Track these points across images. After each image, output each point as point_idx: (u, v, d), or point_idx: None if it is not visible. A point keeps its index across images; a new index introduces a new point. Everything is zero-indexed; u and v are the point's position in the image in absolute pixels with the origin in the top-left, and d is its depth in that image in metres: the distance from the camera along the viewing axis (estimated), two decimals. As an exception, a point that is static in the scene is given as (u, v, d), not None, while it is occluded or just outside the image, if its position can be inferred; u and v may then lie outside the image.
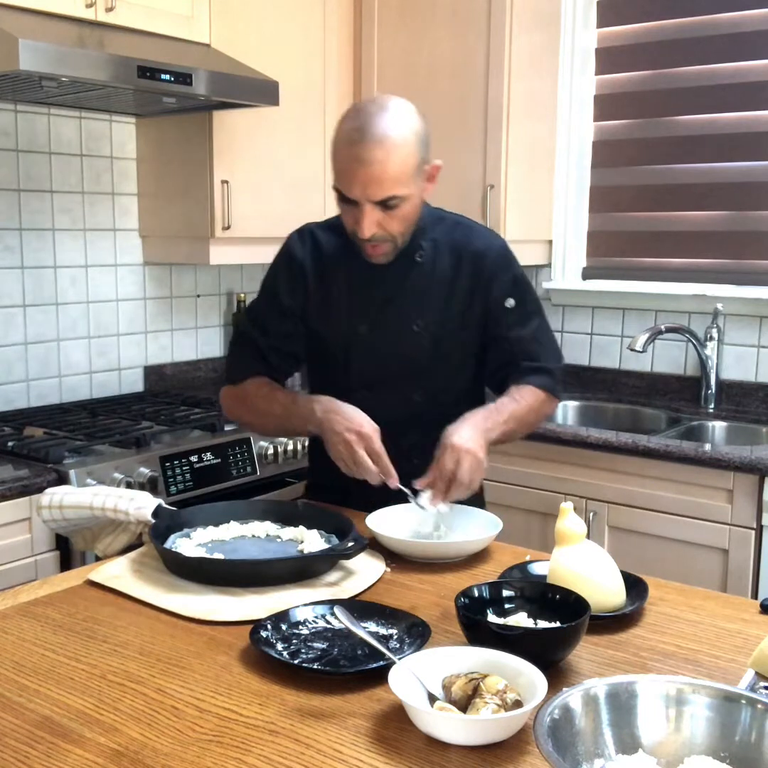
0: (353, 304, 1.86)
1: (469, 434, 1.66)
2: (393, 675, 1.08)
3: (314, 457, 2.04)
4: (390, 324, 1.84)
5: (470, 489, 1.64)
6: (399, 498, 1.69)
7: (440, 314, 1.84)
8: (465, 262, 1.84)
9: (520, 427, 1.82)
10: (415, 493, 1.66)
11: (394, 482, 1.68)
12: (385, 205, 1.67)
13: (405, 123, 1.67)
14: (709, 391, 3.05)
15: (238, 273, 3.48)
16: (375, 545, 1.60)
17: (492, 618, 1.25)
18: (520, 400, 1.81)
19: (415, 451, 1.72)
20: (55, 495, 1.65)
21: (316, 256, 1.88)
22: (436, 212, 1.89)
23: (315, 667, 1.18)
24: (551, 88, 3.22)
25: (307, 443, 2.73)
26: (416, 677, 1.09)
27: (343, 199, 1.71)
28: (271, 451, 2.66)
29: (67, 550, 2.20)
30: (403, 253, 1.80)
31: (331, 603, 1.32)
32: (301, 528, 1.66)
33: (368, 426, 1.67)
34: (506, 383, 1.85)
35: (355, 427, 1.67)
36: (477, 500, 1.86)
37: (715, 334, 3.02)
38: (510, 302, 1.85)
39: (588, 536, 1.40)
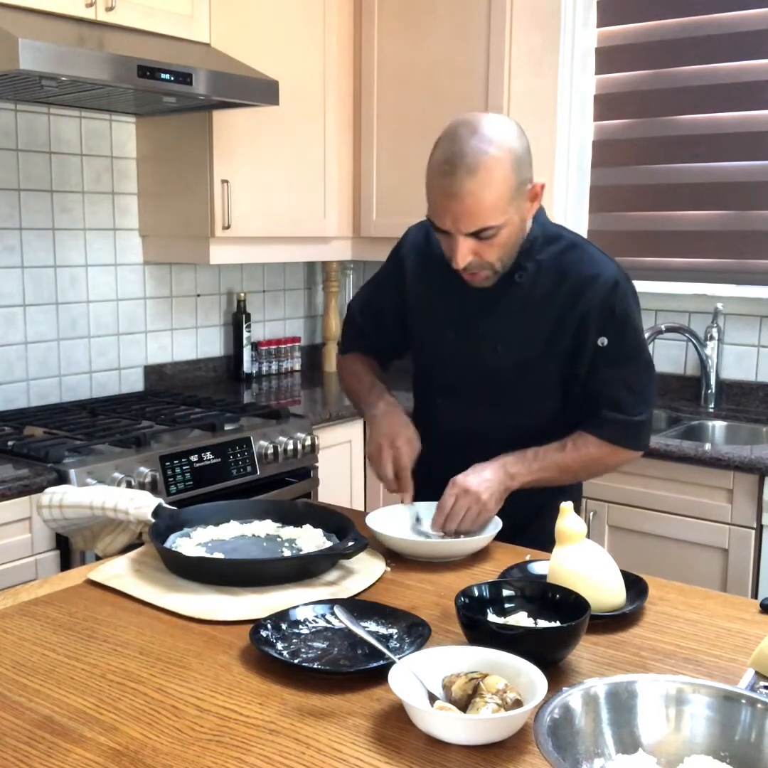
0: (446, 308, 1.82)
1: (479, 476, 1.65)
2: (393, 674, 1.08)
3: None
4: (475, 337, 1.78)
5: (467, 527, 1.64)
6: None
7: (527, 339, 1.74)
8: (565, 288, 1.70)
9: (563, 476, 1.75)
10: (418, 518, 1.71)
11: (408, 499, 1.72)
12: (479, 236, 1.59)
13: (498, 147, 1.55)
14: (709, 391, 3.05)
15: (238, 272, 3.49)
16: (375, 545, 1.60)
17: (492, 617, 1.25)
18: (570, 451, 1.72)
19: None
20: (55, 494, 1.65)
21: (423, 252, 1.82)
22: (552, 230, 1.77)
23: (315, 666, 1.18)
24: (551, 87, 3.22)
25: (308, 443, 2.75)
26: (416, 677, 1.09)
27: (436, 228, 1.63)
28: (271, 450, 2.66)
29: (67, 550, 2.20)
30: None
31: (331, 602, 1.32)
32: (306, 527, 1.66)
33: (403, 439, 1.73)
34: (581, 426, 1.74)
35: (392, 437, 1.73)
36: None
37: (715, 334, 3.03)
38: (602, 341, 1.70)
39: (588, 536, 1.40)
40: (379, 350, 1.99)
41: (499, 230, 1.59)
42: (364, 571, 1.52)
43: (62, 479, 2.18)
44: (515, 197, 1.59)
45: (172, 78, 2.39)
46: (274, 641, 1.24)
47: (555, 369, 1.75)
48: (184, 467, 2.43)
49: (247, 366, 3.46)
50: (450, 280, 1.75)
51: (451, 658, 1.13)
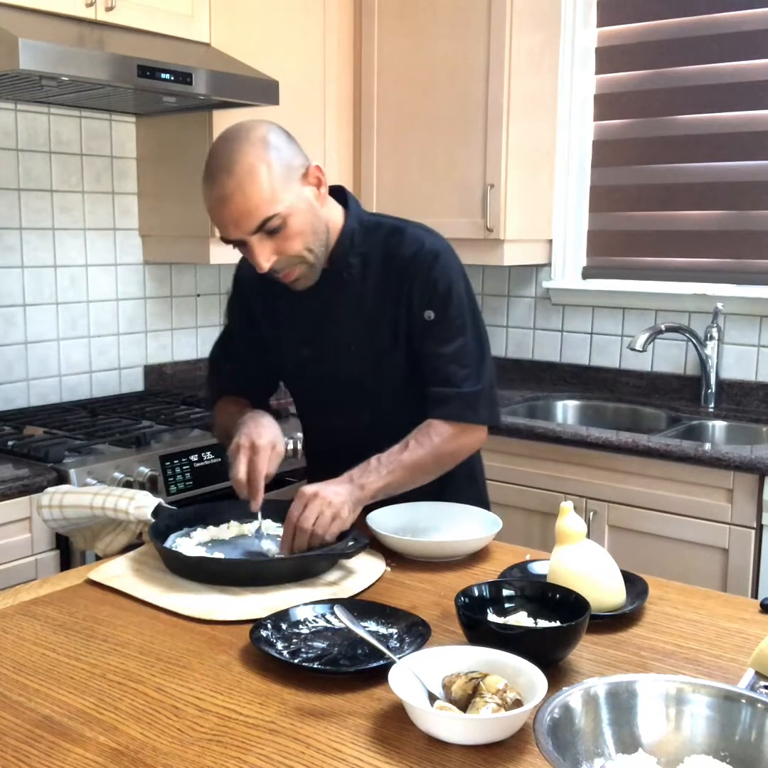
0: (295, 326, 1.79)
1: (329, 486, 1.55)
2: (393, 674, 1.08)
3: (310, 459, 2.01)
4: (329, 346, 1.76)
5: (320, 537, 1.52)
6: (397, 500, 1.69)
7: (373, 332, 1.72)
8: (392, 273, 1.69)
9: (415, 473, 1.66)
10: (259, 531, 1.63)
11: (256, 506, 1.60)
12: (268, 231, 1.55)
13: (246, 140, 1.53)
14: (709, 391, 3.05)
15: (238, 272, 3.48)
16: (375, 544, 1.60)
17: (492, 617, 1.25)
18: (413, 447, 1.64)
19: None
20: (55, 494, 1.65)
21: (258, 277, 1.68)
22: (373, 220, 1.75)
23: (315, 666, 1.18)
24: (551, 87, 3.22)
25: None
26: (416, 676, 1.09)
27: (229, 242, 1.59)
28: (271, 450, 2.65)
29: (67, 550, 2.20)
30: (331, 272, 1.69)
31: (331, 602, 1.32)
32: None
33: (265, 441, 1.60)
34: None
35: (253, 437, 1.61)
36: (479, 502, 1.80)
37: (715, 334, 3.02)
38: (429, 315, 1.68)
39: (588, 535, 1.40)
40: (247, 387, 1.89)
41: (286, 220, 1.55)
42: (364, 571, 1.52)
43: (62, 479, 2.18)
44: (287, 183, 1.55)
45: (172, 78, 2.39)
46: (274, 641, 1.24)
47: (404, 356, 1.72)
48: (184, 467, 2.43)
49: (247, 366, 3.45)
50: (292, 299, 1.73)
51: (451, 658, 1.13)
